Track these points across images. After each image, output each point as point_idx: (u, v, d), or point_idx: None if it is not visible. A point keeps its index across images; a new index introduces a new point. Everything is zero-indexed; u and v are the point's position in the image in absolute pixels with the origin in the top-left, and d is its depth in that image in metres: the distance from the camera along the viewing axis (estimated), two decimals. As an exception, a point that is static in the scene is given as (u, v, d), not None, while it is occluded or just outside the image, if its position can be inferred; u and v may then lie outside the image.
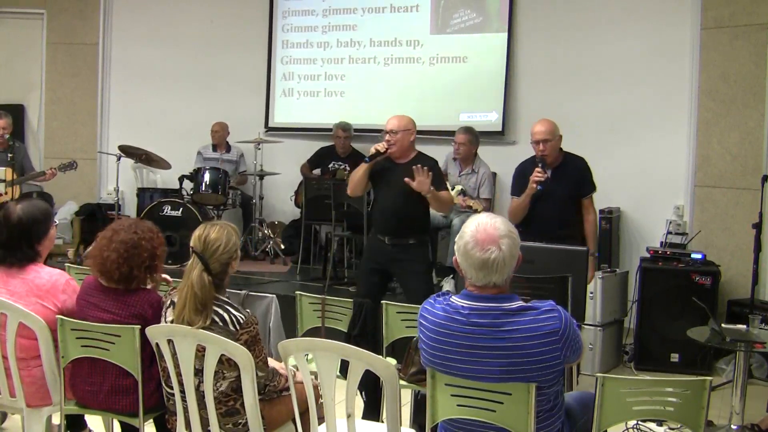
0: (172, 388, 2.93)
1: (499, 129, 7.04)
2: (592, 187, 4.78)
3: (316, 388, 2.75)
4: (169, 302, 2.98)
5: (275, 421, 3.02)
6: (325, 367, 2.66)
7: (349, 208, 6.29)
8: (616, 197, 6.14)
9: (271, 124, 7.98)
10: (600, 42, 6.67)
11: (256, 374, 2.84)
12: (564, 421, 2.62)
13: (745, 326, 4.28)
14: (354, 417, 2.67)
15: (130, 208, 7.79)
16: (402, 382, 3.25)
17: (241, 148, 7.65)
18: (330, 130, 7.29)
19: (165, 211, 6.74)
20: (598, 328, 5.34)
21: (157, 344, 2.90)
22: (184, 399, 2.89)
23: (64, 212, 7.54)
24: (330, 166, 7.19)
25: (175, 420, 2.96)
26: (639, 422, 4.12)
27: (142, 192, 7.56)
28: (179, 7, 8.12)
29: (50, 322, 3.12)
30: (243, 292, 5.64)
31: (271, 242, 7.18)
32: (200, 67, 8.00)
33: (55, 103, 8.23)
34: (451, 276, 5.77)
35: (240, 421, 2.89)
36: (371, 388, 3.63)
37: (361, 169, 4.69)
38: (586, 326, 5.10)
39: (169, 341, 2.86)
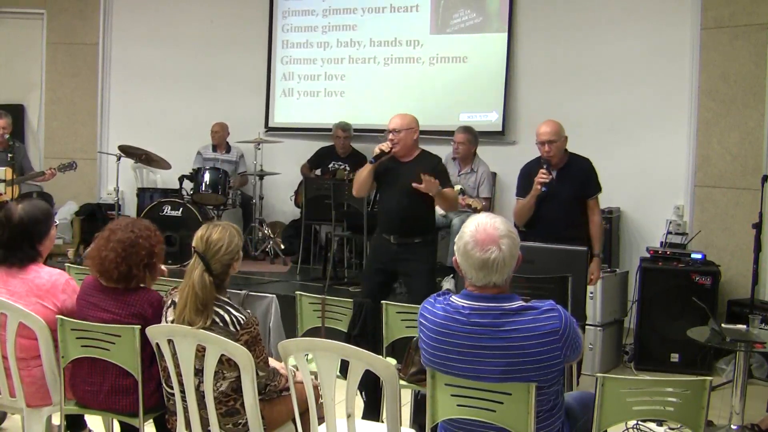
0: (172, 388, 2.93)
1: (499, 129, 7.04)
2: (598, 188, 4.76)
3: (316, 388, 2.75)
4: (169, 302, 2.98)
5: (275, 421, 3.02)
6: (325, 367, 2.66)
7: (349, 208, 6.29)
8: (616, 197, 6.14)
9: (271, 124, 7.98)
10: (600, 42, 6.67)
11: (257, 374, 2.84)
12: (564, 421, 2.62)
13: (745, 326, 4.28)
14: (354, 417, 2.67)
15: (130, 208, 7.79)
16: (402, 382, 3.25)
17: (241, 149, 7.64)
18: (330, 130, 7.29)
19: (165, 211, 6.74)
20: (598, 328, 5.34)
21: (157, 344, 2.90)
22: (184, 399, 2.89)
23: (64, 212, 7.54)
24: (330, 166, 7.19)
25: (175, 420, 2.96)
26: (639, 422, 4.12)
27: (142, 192, 7.57)
28: (179, 7, 8.13)
29: (50, 322, 3.12)
30: (243, 292, 5.64)
31: (271, 242, 7.18)
32: (200, 67, 8.00)
33: (55, 103, 8.23)
34: (451, 275, 5.77)
35: (240, 421, 2.89)
36: (371, 388, 3.63)
37: (366, 170, 4.69)
38: (586, 326, 5.09)
39: (170, 341, 2.86)
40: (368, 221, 5.75)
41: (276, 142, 7.48)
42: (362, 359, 2.60)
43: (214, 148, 7.61)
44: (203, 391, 2.84)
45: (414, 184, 4.44)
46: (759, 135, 5.87)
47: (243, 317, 2.86)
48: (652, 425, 4.13)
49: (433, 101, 7.18)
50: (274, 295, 5.63)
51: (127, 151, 6.95)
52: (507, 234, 2.46)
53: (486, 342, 2.42)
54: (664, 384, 2.61)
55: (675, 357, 5.42)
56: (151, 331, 2.91)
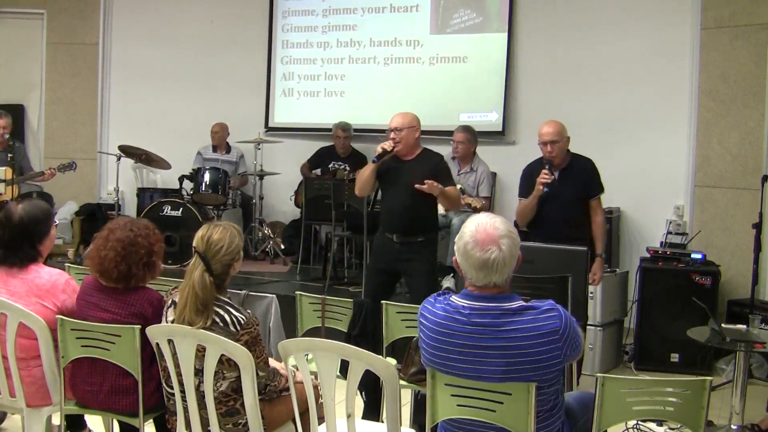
0: (172, 388, 2.93)
1: (500, 129, 7.04)
2: (600, 189, 4.76)
3: (316, 388, 2.75)
4: (170, 302, 2.98)
5: (275, 421, 3.02)
6: (325, 367, 2.66)
7: (349, 208, 6.29)
8: (616, 197, 6.14)
9: (271, 124, 7.98)
10: (600, 42, 6.67)
11: (257, 374, 2.84)
12: (564, 421, 2.62)
13: (745, 326, 4.28)
14: (354, 417, 2.67)
15: (130, 208, 7.79)
16: (402, 382, 3.25)
17: (241, 149, 7.65)
18: (330, 130, 7.29)
19: (165, 211, 6.74)
20: (598, 328, 5.34)
21: (157, 344, 2.90)
22: (184, 399, 2.89)
23: (64, 212, 7.54)
24: (330, 166, 7.19)
25: (175, 420, 2.96)
26: (639, 422, 4.12)
27: (142, 192, 7.57)
28: (179, 7, 8.13)
29: (50, 322, 3.12)
30: (243, 292, 5.64)
31: (271, 242, 7.18)
32: (200, 67, 8.00)
33: (55, 103, 8.23)
34: (452, 275, 5.77)
35: (240, 421, 2.89)
36: (371, 388, 3.63)
37: (369, 169, 4.68)
38: (586, 326, 5.09)
39: (170, 341, 2.86)
40: (368, 221, 5.75)
41: (276, 142, 7.48)
42: (362, 359, 2.60)
43: (214, 149, 7.61)
44: (203, 391, 2.84)
45: (416, 185, 4.44)
46: (759, 135, 5.87)
47: (243, 317, 2.86)
48: (652, 425, 4.13)
49: (433, 101, 7.17)
50: (274, 295, 5.63)
51: (127, 151, 6.95)
52: (507, 234, 2.46)
53: (486, 342, 2.42)
54: (664, 384, 2.61)
55: (675, 357, 5.42)
56: (151, 331, 2.91)
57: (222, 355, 2.80)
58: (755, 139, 5.89)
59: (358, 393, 3.53)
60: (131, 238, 3.08)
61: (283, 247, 7.22)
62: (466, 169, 6.29)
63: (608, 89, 6.62)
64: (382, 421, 3.34)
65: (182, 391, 2.89)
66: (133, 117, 8.12)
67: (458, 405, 2.50)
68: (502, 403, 2.43)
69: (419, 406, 3.47)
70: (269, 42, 7.95)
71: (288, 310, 5.31)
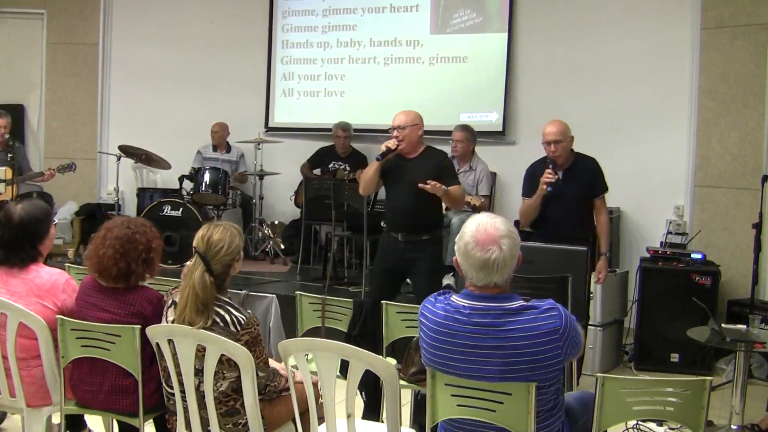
0: (172, 388, 2.93)
1: (500, 129, 7.05)
2: (604, 188, 4.76)
3: (316, 387, 2.75)
4: (170, 302, 2.98)
5: (275, 421, 3.02)
6: (325, 367, 2.66)
7: (349, 208, 6.29)
8: (616, 197, 6.11)
9: (271, 124, 7.98)
10: (600, 42, 6.67)
11: (257, 374, 2.84)
12: (564, 421, 2.62)
13: (745, 326, 4.28)
14: (354, 417, 2.67)
15: (130, 208, 7.79)
16: (402, 382, 3.25)
17: (241, 148, 7.65)
18: (330, 130, 7.29)
19: (165, 211, 6.74)
20: (598, 328, 5.34)
21: (157, 344, 2.90)
22: (184, 399, 2.89)
23: (64, 212, 7.54)
24: (330, 166, 7.19)
25: (175, 420, 2.96)
26: (639, 422, 4.12)
27: (142, 192, 7.57)
28: (179, 7, 8.13)
29: (50, 321, 3.12)
30: (243, 292, 5.64)
31: (271, 242, 7.18)
32: (200, 67, 8.00)
33: (55, 103, 8.23)
34: (451, 274, 5.78)
35: (240, 421, 2.89)
36: (371, 388, 3.63)
37: (373, 168, 4.67)
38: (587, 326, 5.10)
39: (170, 341, 2.86)
40: (368, 221, 5.75)
41: (276, 142, 7.48)
42: (362, 359, 2.60)
43: (214, 148, 7.62)
44: (203, 391, 2.84)
45: (420, 185, 4.44)
46: (759, 135, 5.87)
47: (243, 317, 2.86)
48: (652, 425, 4.13)
49: (433, 101, 7.17)
50: (274, 295, 5.63)
51: (127, 151, 6.95)
52: (507, 234, 2.46)
53: (487, 342, 2.42)
54: (664, 384, 2.61)
55: (675, 357, 5.42)
56: (151, 331, 2.91)
57: (222, 355, 2.80)
58: (755, 139, 5.89)
59: (358, 393, 3.53)
60: (129, 235, 3.09)
61: (283, 247, 7.22)
62: (465, 168, 6.29)
63: (608, 89, 6.62)
64: (382, 421, 3.34)
65: (182, 391, 2.89)
66: (133, 117, 8.12)
67: (458, 405, 2.50)
68: (502, 403, 2.43)
69: (419, 406, 3.47)
70: (269, 42, 7.95)
71: (288, 310, 5.31)
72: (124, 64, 8.20)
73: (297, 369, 2.81)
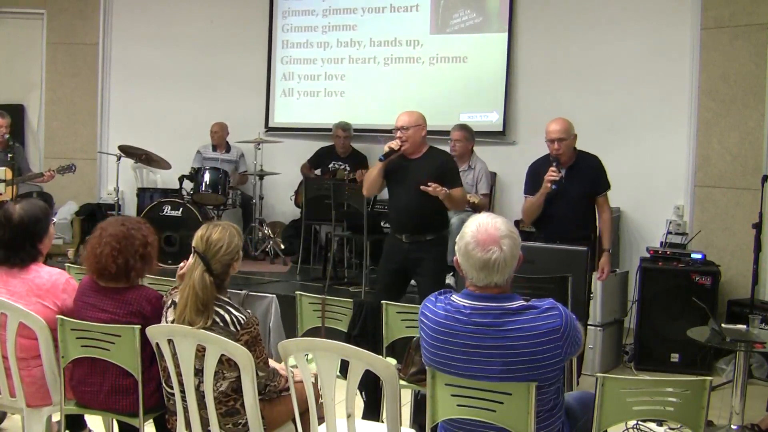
0: (172, 388, 2.93)
1: (500, 129, 7.05)
2: (607, 185, 4.77)
3: (316, 387, 2.75)
4: (170, 302, 2.98)
5: (275, 421, 3.02)
6: (325, 367, 2.66)
7: (349, 208, 6.29)
8: (616, 197, 6.08)
9: (271, 124, 7.98)
10: (600, 42, 6.67)
11: (257, 374, 2.84)
12: (564, 421, 2.62)
13: (745, 326, 4.28)
14: (354, 417, 2.67)
15: (130, 208, 7.79)
16: (402, 382, 3.25)
17: (241, 148, 7.65)
18: (330, 130, 7.29)
19: (165, 211, 6.74)
20: (598, 328, 5.34)
21: (157, 344, 2.90)
22: (184, 399, 2.89)
23: (64, 212, 7.54)
24: (330, 166, 7.19)
25: (175, 420, 2.96)
26: (639, 422, 4.12)
27: (142, 192, 7.57)
28: (179, 7, 8.13)
29: (50, 321, 3.12)
30: (243, 292, 5.64)
31: (271, 242, 7.18)
32: (200, 67, 8.01)
33: (55, 103, 8.23)
34: (451, 273, 5.78)
35: (240, 421, 2.89)
36: (371, 388, 3.63)
37: (376, 169, 4.67)
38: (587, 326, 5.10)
39: (170, 341, 2.86)
40: (368, 221, 5.75)
41: (276, 142, 7.48)
42: (362, 359, 2.60)
43: (214, 148, 7.62)
44: (203, 391, 2.84)
45: (422, 187, 4.43)
46: (759, 135, 5.87)
47: (243, 317, 2.86)
48: (652, 425, 4.13)
49: (433, 101, 7.17)
50: (274, 295, 5.63)
51: (127, 151, 6.95)
52: (508, 234, 2.46)
53: (487, 341, 2.42)
54: (664, 384, 2.61)
55: (675, 357, 5.42)
56: (151, 331, 2.91)
57: (222, 355, 2.80)
58: (755, 139, 5.89)
59: (358, 393, 3.53)
60: (124, 232, 3.10)
61: (283, 247, 7.22)
62: (464, 168, 6.27)
63: (608, 89, 6.62)
64: (382, 421, 3.34)
65: (182, 391, 2.88)
66: (133, 117, 8.12)
67: (458, 405, 2.50)
68: (502, 403, 2.43)
69: (419, 406, 3.47)
70: (269, 42, 7.95)
71: (288, 310, 5.31)
72: (124, 64, 8.20)
73: (296, 368, 2.81)
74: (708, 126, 6.13)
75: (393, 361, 3.11)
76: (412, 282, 4.83)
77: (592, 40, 6.71)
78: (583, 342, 2.65)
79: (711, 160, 6.11)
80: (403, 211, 4.64)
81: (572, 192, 4.62)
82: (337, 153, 7.27)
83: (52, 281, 3.22)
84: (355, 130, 7.30)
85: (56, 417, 3.30)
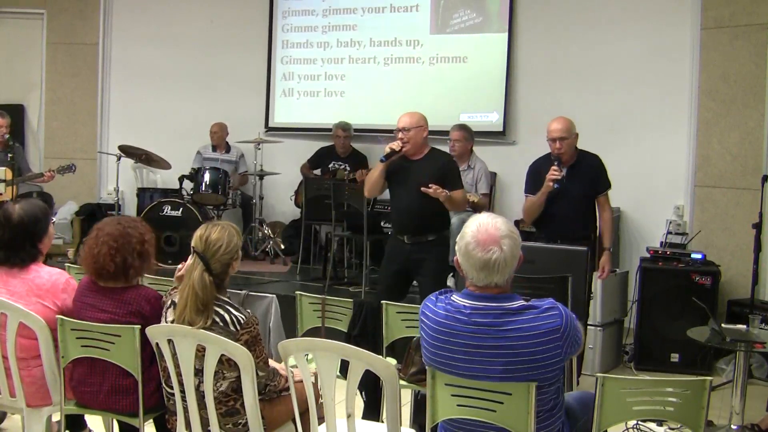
0: (172, 388, 2.93)
1: (500, 129, 7.04)
2: (608, 184, 4.78)
3: (316, 387, 2.75)
4: (169, 302, 2.98)
5: (275, 421, 3.02)
6: (325, 367, 2.66)
7: (349, 208, 6.29)
8: (616, 197, 6.08)
9: (271, 124, 7.98)
10: (600, 42, 6.67)
11: (257, 374, 2.84)
12: (564, 421, 2.62)
13: (745, 326, 4.28)
14: (354, 417, 2.67)
15: (130, 208, 7.79)
16: (402, 382, 3.25)
17: (241, 149, 7.65)
18: (330, 130, 7.29)
19: (165, 211, 6.75)
20: (598, 328, 5.34)
21: (157, 344, 2.90)
22: (184, 399, 2.89)
23: (64, 212, 7.54)
24: (330, 166, 7.20)
25: (175, 420, 2.96)
26: (639, 422, 4.12)
27: (142, 192, 7.57)
28: (179, 7, 8.13)
29: (50, 321, 3.12)
30: (243, 292, 5.64)
31: (271, 242, 7.18)
32: (200, 67, 8.01)
33: (55, 103, 8.23)
34: (451, 273, 5.78)
35: (240, 421, 2.89)
36: (371, 388, 3.63)
37: (377, 170, 4.67)
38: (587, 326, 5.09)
39: (169, 341, 2.86)
40: (368, 221, 5.75)
41: (276, 142, 7.48)
42: (362, 359, 2.60)
43: (214, 148, 7.61)
44: (203, 391, 2.84)
45: (423, 189, 4.43)
46: (759, 135, 5.87)
47: (243, 317, 2.86)
48: (652, 425, 4.13)
49: (433, 101, 7.16)
50: (274, 295, 5.63)
51: (127, 151, 6.95)
52: (508, 234, 2.46)
53: (488, 341, 2.42)
54: (664, 384, 2.61)
55: (675, 357, 5.42)
56: (151, 331, 2.91)
57: (222, 355, 2.80)
58: (755, 139, 5.89)
59: (358, 393, 3.53)
60: (121, 231, 3.11)
61: (283, 247, 7.22)
62: (464, 167, 6.26)
63: (608, 89, 6.62)
64: (382, 421, 3.34)
65: (182, 391, 2.88)
66: (133, 117, 8.12)
67: (458, 405, 2.50)
68: (502, 403, 2.43)
69: (419, 406, 3.47)
70: (269, 42, 7.95)
71: (288, 310, 5.31)
72: (124, 64, 8.20)
73: (296, 367, 2.81)
74: (708, 126, 6.13)
75: (393, 361, 3.11)
76: (414, 283, 4.84)
77: (592, 40, 6.71)
78: (583, 342, 2.65)
79: (711, 160, 6.11)
80: (404, 212, 4.64)
81: (573, 191, 4.62)
82: (337, 153, 7.27)
83: (52, 281, 3.22)
84: (355, 130, 7.30)
85: (56, 417, 3.30)
